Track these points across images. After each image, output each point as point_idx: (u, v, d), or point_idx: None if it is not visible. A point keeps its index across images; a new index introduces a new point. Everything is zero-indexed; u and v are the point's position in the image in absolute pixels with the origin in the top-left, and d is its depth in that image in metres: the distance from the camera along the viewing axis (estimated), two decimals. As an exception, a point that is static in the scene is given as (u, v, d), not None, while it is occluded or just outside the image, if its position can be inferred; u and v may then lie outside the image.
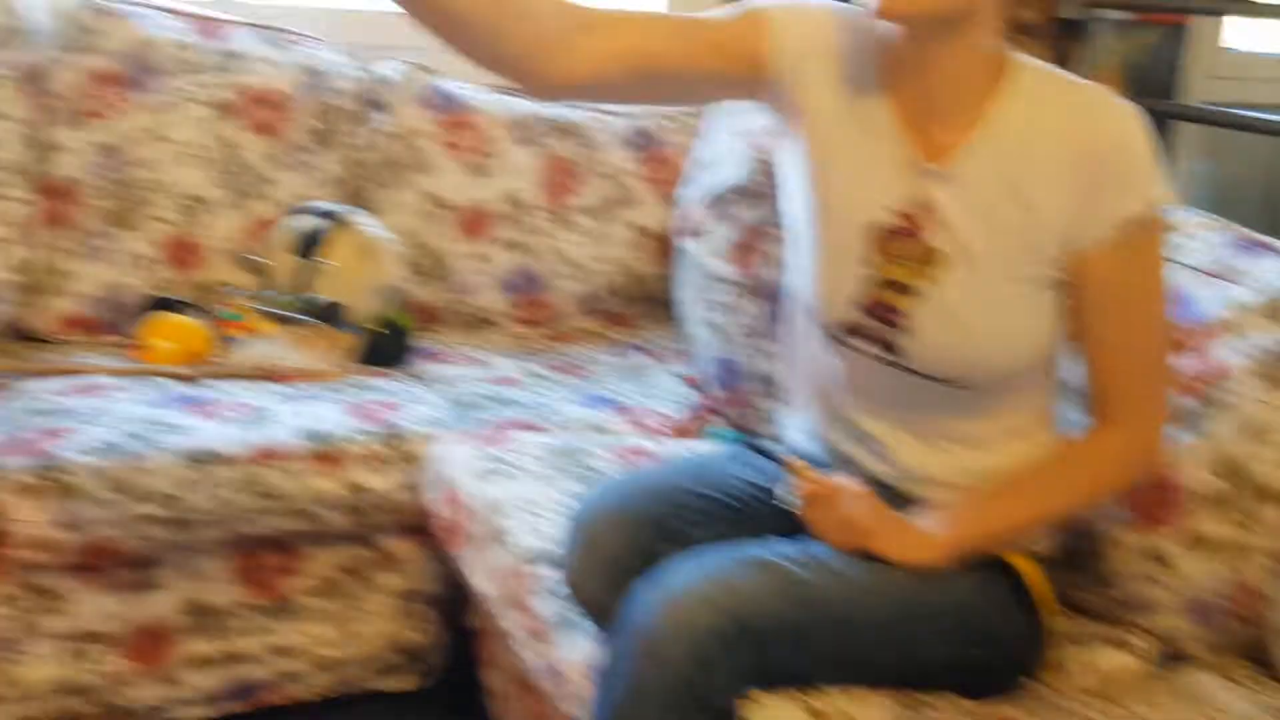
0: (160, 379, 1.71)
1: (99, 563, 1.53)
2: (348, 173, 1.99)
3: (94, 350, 1.81)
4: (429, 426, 1.64)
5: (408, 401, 1.70)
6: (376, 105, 2.01)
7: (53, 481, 1.46)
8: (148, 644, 1.58)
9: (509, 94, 2.07)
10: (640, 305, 2.14)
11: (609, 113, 2.12)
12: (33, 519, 1.46)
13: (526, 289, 2.06)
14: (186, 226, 1.87)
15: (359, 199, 1.97)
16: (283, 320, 1.79)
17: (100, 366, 1.73)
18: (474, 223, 2.02)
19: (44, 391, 1.65)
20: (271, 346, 1.78)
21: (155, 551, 1.54)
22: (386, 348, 1.82)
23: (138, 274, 1.86)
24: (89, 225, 1.84)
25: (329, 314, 1.79)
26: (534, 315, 2.07)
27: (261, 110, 1.92)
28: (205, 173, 1.88)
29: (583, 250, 2.08)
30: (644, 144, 2.12)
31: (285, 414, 1.62)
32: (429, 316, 2.00)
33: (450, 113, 2.01)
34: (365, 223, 1.85)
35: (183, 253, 1.88)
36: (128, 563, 1.54)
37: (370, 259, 1.83)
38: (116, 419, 1.57)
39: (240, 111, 1.90)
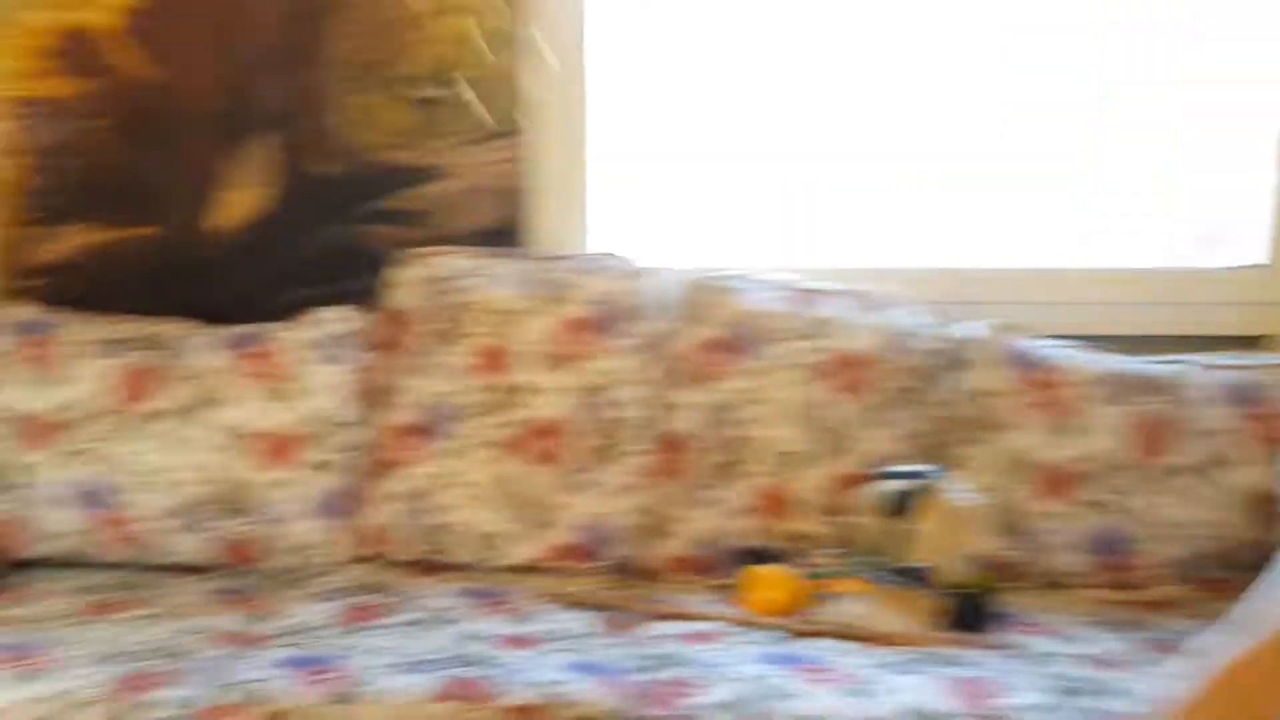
0: (760, 630, 1.82)
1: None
2: (929, 430, 2.05)
3: (697, 592, 1.96)
4: (1039, 715, 1.59)
5: (1004, 677, 1.67)
6: (958, 363, 2.07)
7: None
8: None
9: (1096, 351, 2.06)
10: (1242, 573, 1.96)
11: (1208, 366, 2.04)
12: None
13: (1111, 551, 1.97)
14: (779, 480, 2.01)
15: (939, 456, 2.00)
16: (870, 580, 1.87)
17: (707, 614, 1.87)
18: (1056, 482, 1.98)
19: (661, 635, 1.81)
20: (859, 606, 1.84)
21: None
22: (972, 614, 1.81)
23: (735, 522, 2.02)
24: (696, 476, 2.05)
25: (916, 577, 1.83)
26: (1118, 579, 1.98)
27: (849, 371, 2.04)
28: (797, 430, 2.02)
29: (1175, 512, 1.96)
30: (1247, 399, 1.99)
31: (886, 686, 1.64)
32: (1004, 575, 1.97)
33: (1034, 371, 2.02)
34: (955, 488, 1.88)
35: (775, 504, 2.01)
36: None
37: (960, 525, 1.85)
38: (732, 674, 1.66)
39: (830, 373, 2.03)
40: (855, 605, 1.84)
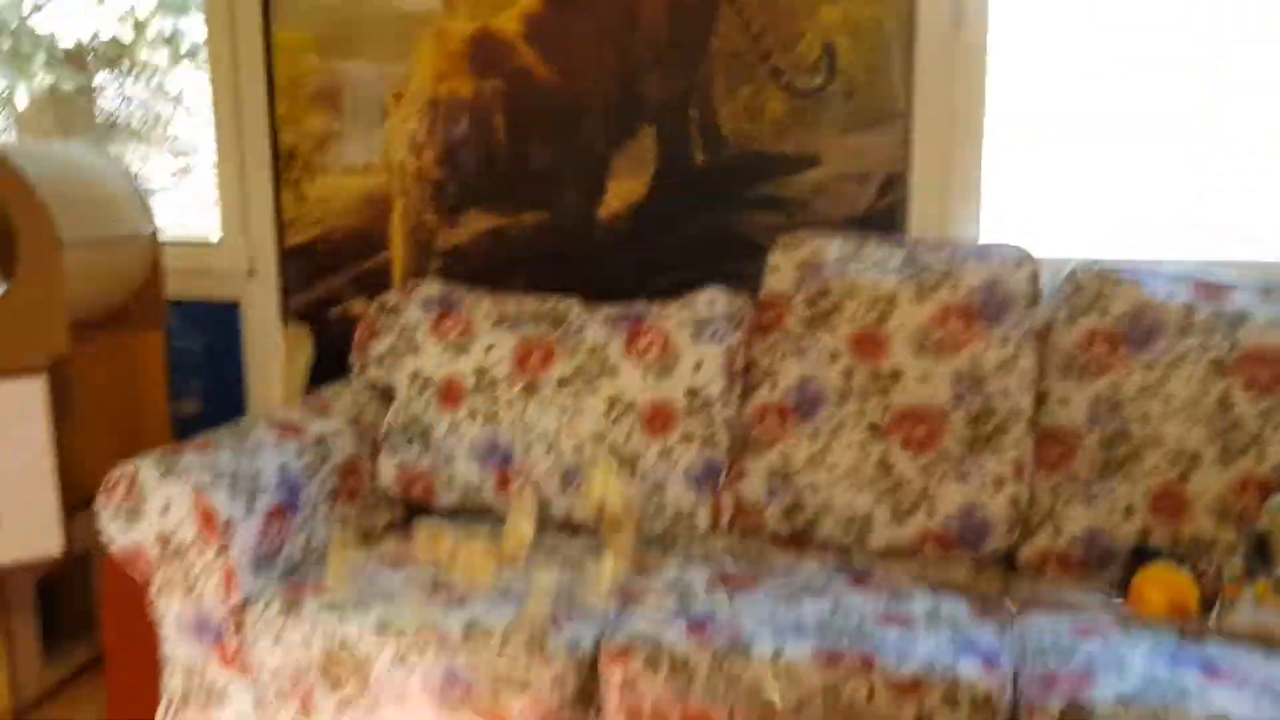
0: (1151, 630, 1.74)
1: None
2: (1347, 434, 1.90)
3: (1075, 590, 1.90)
4: None
5: None
6: (1386, 364, 1.91)
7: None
8: None
9: None
10: None
11: None
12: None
13: None
14: (1175, 480, 1.92)
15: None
16: (1277, 589, 1.74)
17: (1091, 610, 1.81)
18: None
19: (1043, 627, 1.76)
20: (1264, 614, 1.72)
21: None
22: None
23: (1122, 522, 1.95)
24: (1080, 471, 1.99)
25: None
26: None
27: (1260, 368, 1.92)
28: (1196, 429, 1.93)
29: None
30: None
31: (1304, 694, 1.55)
32: None
33: None
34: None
35: (1170, 505, 1.92)
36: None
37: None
38: (1126, 669, 1.60)
39: (1237, 370, 1.93)
40: (1260, 614, 1.72)
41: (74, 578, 2.65)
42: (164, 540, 1.91)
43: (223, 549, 1.90)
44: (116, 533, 1.94)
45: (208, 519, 1.89)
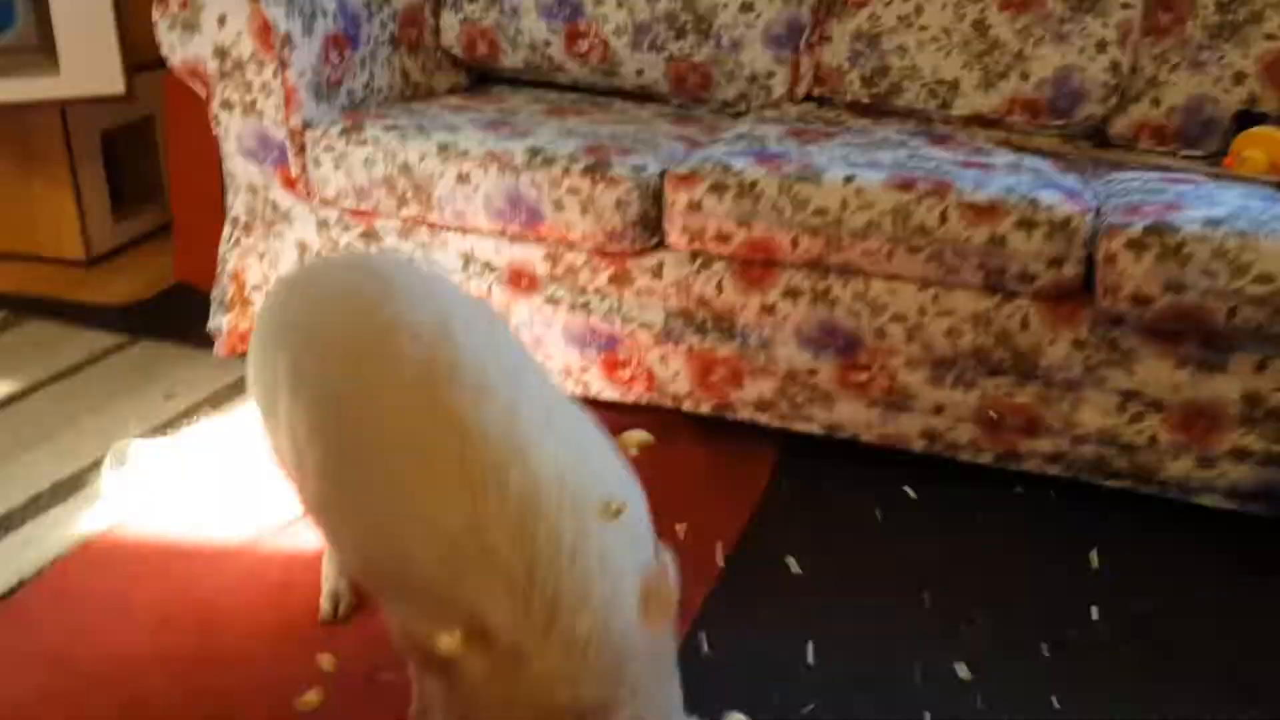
0: (1244, 183, 1.65)
1: (1176, 331, 1.52)
2: None
3: (1172, 159, 1.82)
4: None
5: None
6: None
7: (1163, 243, 1.47)
8: (1196, 421, 1.56)
9: None
10: None
11: None
12: (1135, 273, 1.48)
13: None
14: (1294, 40, 1.78)
15: None
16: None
17: (1185, 166, 1.75)
18: None
19: (1132, 177, 1.69)
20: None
21: (1235, 335, 1.49)
22: None
23: (1229, 90, 1.81)
24: (1192, 37, 1.85)
25: None
26: None
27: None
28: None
29: None
30: None
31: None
32: None
33: None
34: None
35: (1283, 67, 1.80)
36: (1204, 339, 1.52)
37: None
38: (1220, 204, 1.53)
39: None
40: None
41: (138, 145, 2.64)
42: (222, 53, 1.86)
43: (281, 66, 1.84)
44: (174, 46, 1.89)
45: (264, 32, 1.82)
